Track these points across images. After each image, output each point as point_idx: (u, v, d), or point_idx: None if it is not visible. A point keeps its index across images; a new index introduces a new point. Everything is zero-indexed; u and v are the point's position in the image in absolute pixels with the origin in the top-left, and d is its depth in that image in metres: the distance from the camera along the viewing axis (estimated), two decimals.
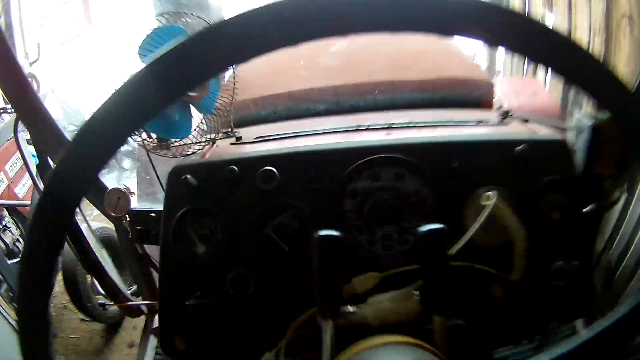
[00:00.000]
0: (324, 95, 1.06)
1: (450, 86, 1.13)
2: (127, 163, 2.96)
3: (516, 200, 0.69)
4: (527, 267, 0.68)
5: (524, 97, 1.17)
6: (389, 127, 0.89)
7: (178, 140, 0.94)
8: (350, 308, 0.61)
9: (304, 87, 1.09)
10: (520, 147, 0.72)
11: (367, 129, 0.90)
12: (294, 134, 0.89)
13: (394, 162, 0.73)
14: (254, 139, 0.91)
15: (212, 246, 0.76)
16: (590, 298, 0.74)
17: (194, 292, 0.76)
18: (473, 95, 1.12)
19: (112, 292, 1.22)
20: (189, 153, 0.94)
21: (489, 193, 0.68)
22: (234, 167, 0.76)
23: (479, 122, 0.95)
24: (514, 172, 0.72)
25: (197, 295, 0.76)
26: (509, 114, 1.00)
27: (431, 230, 0.51)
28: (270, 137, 0.89)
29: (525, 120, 1.08)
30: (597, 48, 1.60)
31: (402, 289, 0.63)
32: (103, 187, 0.91)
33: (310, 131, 0.89)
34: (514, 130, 0.92)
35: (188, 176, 0.76)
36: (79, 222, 1.22)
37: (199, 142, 0.94)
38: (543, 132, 0.91)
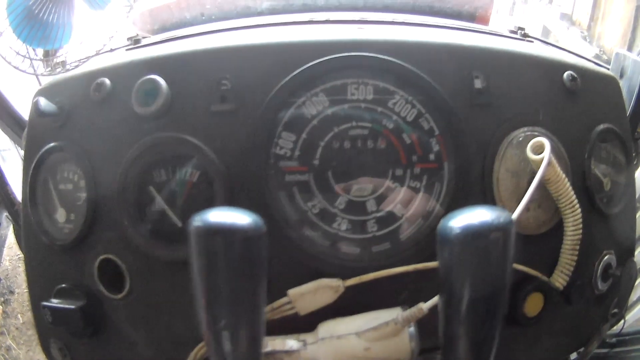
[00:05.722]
0: None
1: None
2: None
3: (565, 154, 0.46)
4: (576, 268, 0.45)
5: None
6: (361, 22, 0.57)
7: (57, 50, 0.63)
8: (282, 344, 0.33)
9: None
10: (569, 73, 0.48)
11: (325, 22, 0.57)
12: (215, 30, 0.55)
13: (375, 68, 0.42)
14: (157, 41, 0.58)
15: (74, 210, 0.46)
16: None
17: (54, 285, 0.48)
18: (468, 5, 0.80)
19: None
20: (70, 68, 0.63)
21: (540, 139, 0.41)
22: (105, 79, 0.45)
23: (493, 33, 0.65)
24: (562, 109, 0.48)
25: (56, 290, 0.47)
26: (526, 32, 0.72)
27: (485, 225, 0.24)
28: (179, 37, 0.55)
29: (547, 43, 0.81)
30: None
31: (382, 312, 0.35)
32: None
33: (236, 27, 0.55)
34: (546, 51, 0.64)
35: (40, 99, 0.47)
36: None
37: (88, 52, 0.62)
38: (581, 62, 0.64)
